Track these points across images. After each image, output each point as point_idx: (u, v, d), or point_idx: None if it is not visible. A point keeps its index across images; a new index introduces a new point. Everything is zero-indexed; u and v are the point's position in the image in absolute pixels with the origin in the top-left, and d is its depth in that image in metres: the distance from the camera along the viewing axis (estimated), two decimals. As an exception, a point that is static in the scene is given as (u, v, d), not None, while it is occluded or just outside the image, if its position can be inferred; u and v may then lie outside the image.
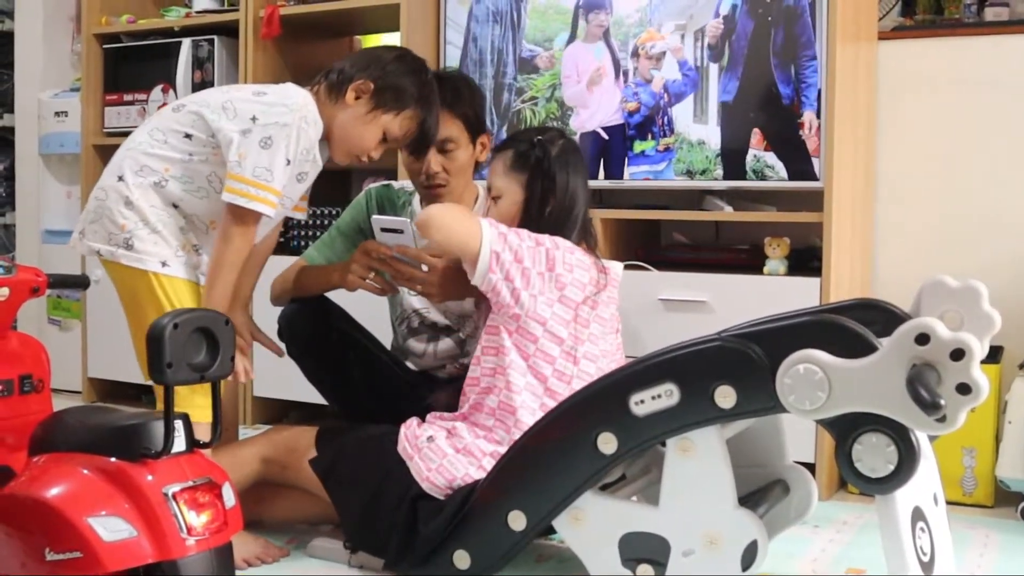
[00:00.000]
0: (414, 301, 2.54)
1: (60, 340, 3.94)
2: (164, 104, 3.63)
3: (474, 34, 3.19)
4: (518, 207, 2.22)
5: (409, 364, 2.62)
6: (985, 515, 2.66)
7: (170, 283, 2.15)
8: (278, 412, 3.54)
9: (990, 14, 3.01)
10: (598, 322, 2.15)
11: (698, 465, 1.77)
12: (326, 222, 3.34)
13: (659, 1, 2.96)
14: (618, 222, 3.01)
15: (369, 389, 2.53)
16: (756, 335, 1.71)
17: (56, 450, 1.69)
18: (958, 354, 1.51)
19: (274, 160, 2.10)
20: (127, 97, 3.77)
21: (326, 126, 2.22)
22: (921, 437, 1.61)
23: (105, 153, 3.84)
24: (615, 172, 3.03)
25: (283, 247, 3.44)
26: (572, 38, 3.06)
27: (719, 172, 2.89)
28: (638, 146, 3.00)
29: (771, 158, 2.83)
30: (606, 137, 3.04)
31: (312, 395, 2.67)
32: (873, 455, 1.60)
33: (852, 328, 1.64)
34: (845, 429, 1.62)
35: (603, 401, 1.84)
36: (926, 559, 1.67)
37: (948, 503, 1.98)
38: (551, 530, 1.98)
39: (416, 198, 2.60)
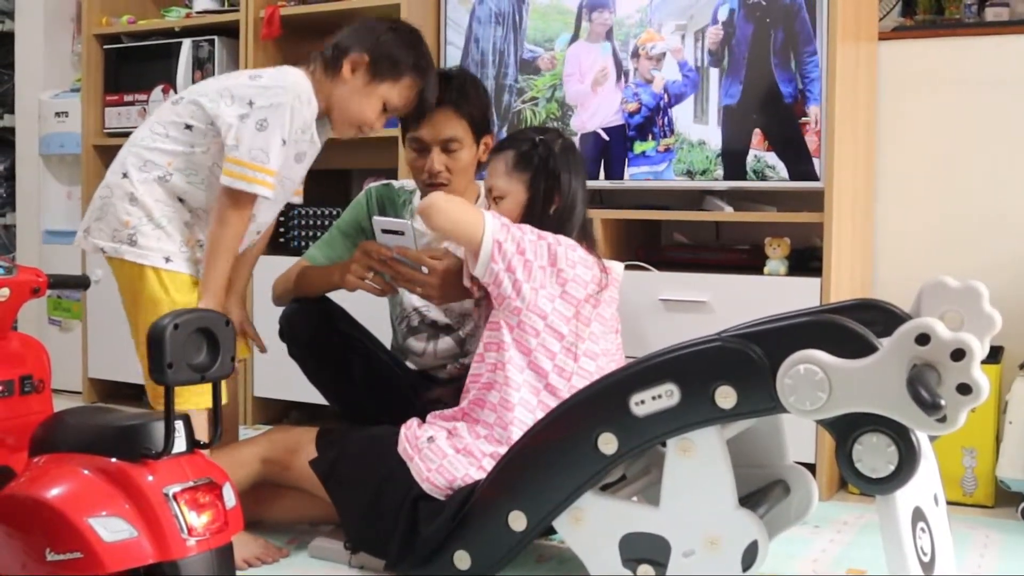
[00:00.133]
0: (414, 299, 2.54)
1: (60, 340, 3.94)
2: (165, 104, 3.65)
3: (476, 35, 3.19)
4: (521, 207, 2.22)
5: (409, 364, 2.62)
6: (985, 515, 2.66)
7: (173, 278, 2.16)
8: (278, 412, 3.54)
9: (990, 14, 3.01)
10: (599, 321, 2.15)
11: (698, 465, 1.77)
12: (326, 222, 3.34)
13: (659, 1, 2.96)
14: (618, 222, 3.01)
15: (369, 389, 2.53)
16: (756, 335, 1.71)
17: (57, 450, 1.69)
18: (958, 354, 1.51)
19: (270, 141, 2.11)
20: (127, 98, 3.78)
21: (326, 102, 2.23)
22: (921, 437, 1.61)
23: (105, 153, 3.86)
24: (616, 172, 3.03)
25: (283, 247, 3.44)
26: (575, 38, 3.06)
27: (719, 172, 2.89)
28: (638, 147, 3.00)
29: (771, 158, 2.82)
30: (606, 138, 3.04)
31: (312, 395, 2.67)
32: (873, 455, 1.60)
33: (852, 328, 1.64)
34: (845, 429, 1.62)
35: (603, 401, 1.84)
36: (926, 559, 1.67)
37: (948, 503, 1.98)
38: (551, 530, 1.97)
39: (417, 197, 2.60)
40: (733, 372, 1.70)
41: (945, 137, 3.03)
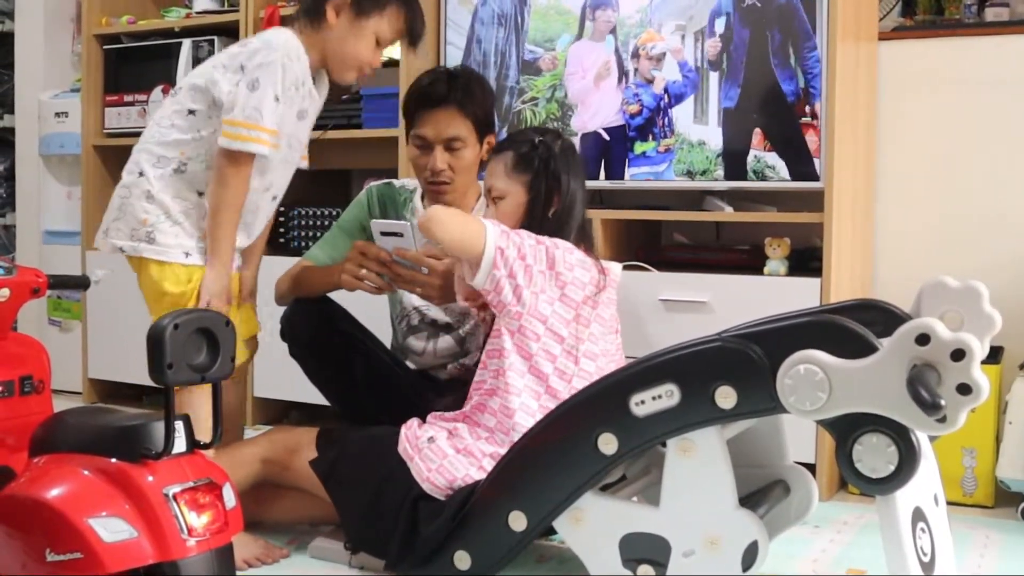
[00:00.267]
0: (414, 298, 2.54)
1: (60, 341, 3.94)
2: (164, 105, 3.64)
3: (478, 36, 3.19)
4: (522, 208, 2.22)
5: (409, 363, 2.62)
6: (985, 515, 2.66)
7: (193, 273, 2.17)
8: (279, 412, 3.54)
9: (990, 14, 3.01)
10: (598, 322, 2.15)
11: (699, 465, 1.77)
12: (327, 222, 3.34)
13: (659, 2, 2.96)
14: (619, 223, 3.01)
15: (370, 389, 2.53)
16: (756, 335, 1.71)
17: (57, 451, 1.69)
18: (958, 354, 1.51)
19: (263, 100, 2.12)
20: (127, 98, 3.78)
21: (319, 52, 2.24)
22: (921, 437, 1.61)
23: (105, 154, 3.86)
24: (616, 173, 3.03)
25: (283, 247, 3.44)
26: (579, 37, 3.06)
27: (719, 172, 2.89)
28: (639, 147, 3.00)
29: (772, 158, 2.82)
30: (607, 138, 3.04)
31: (313, 395, 2.67)
32: (874, 455, 1.60)
33: (853, 328, 1.64)
34: (845, 429, 1.62)
35: (603, 401, 1.84)
36: (926, 559, 1.67)
37: (948, 503, 1.98)
38: (552, 531, 1.97)
39: (417, 196, 2.60)
40: (733, 372, 1.70)
41: (945, 137, 3.03)
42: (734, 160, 2.87)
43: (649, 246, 3.15)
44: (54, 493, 1.59)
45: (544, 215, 2.20)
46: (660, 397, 1.77)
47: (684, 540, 1.79)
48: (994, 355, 2.67)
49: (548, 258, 2.08)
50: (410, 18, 2.29)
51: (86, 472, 1.61)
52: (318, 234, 3.10)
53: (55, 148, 4.06)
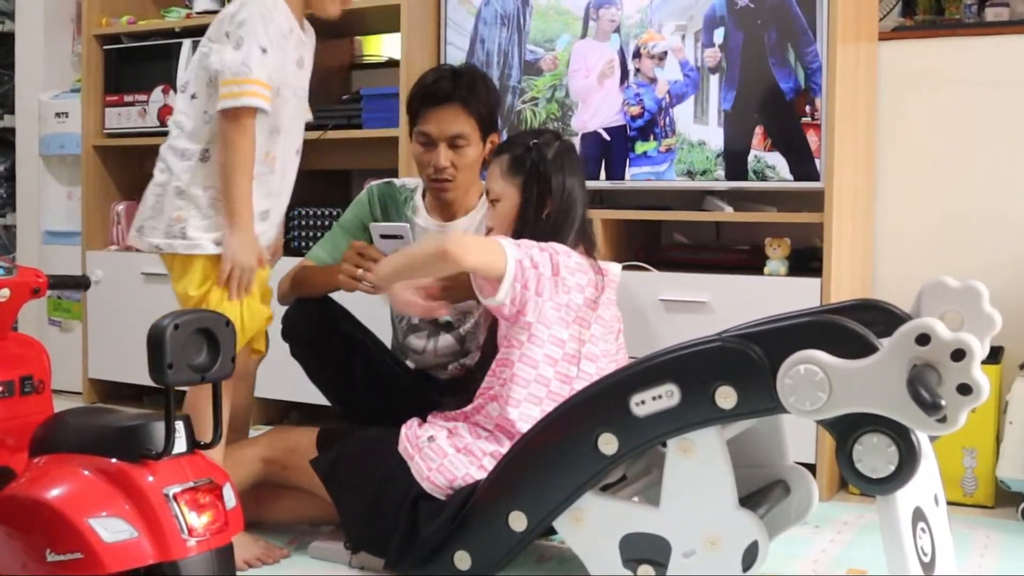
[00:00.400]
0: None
1: (60, 341, 3.94)
2: (165, 105, 3.65)
3: (481, 36, 3.19)
4: (516, 211, 2.22)
5: (409, 363, 2.62)
6: (986, 516, 2.66)
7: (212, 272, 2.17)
8: (279, 412, 3.54)
9: (990, 14, 3.01)
10: (599, 323, 2.15)
11: (699, 466, 1.77)
12: (327, 223, 3.34)
13: (660, 2, 2.96)
14: (619, 223, 3.01)
15: (370, 389, 2.53)
16: (757, 335, 1.71)
17: (57, 451, 1.69)
18: (959, 354, 1.51)
19: (249, 54, 2.12)
20: (128, 98, 3.77)
21: None
22: (922, 437, 1.61)
23: (105, 154, 3.87)
24: (616, 173, 3.03)
25: (284, 247, 3.42)
26: (583, 36, 3.06)
27: (720, 172, 2.89)
28: (639, 147, 3.00)
29: (772, 158, 2.83)
30: (607, 138, 3.04)
31: (313, 395, 2.67)
32: (874, 455, 1.60)
33: (853, 329, 1.64)
34: (846, 430, 1.62)
35: (604, 402, 1.84)
36: (927, 559, 1.67)
37: (949, 503, 1.98)
38: (552, 531, 1.97)
39: (418, 195, 2.60)
40: (733, 372, 1.70)
41: (945, 137, 3.03)
42: (734, 160, 2.87)
43: (649, 246, 3.15)
44: (54, 493, 1.59)
45: (538, 217, 2.20)
46: (660, 397, 1.77)
47: (684, 540, 1.79)
48: (994, 355, 2.67)
49: (552, 264, 2.08)
50: None
51: (86, 472, 1.61)
52: (319, 234, 3.10)
53: (55, 148, 4.06)
